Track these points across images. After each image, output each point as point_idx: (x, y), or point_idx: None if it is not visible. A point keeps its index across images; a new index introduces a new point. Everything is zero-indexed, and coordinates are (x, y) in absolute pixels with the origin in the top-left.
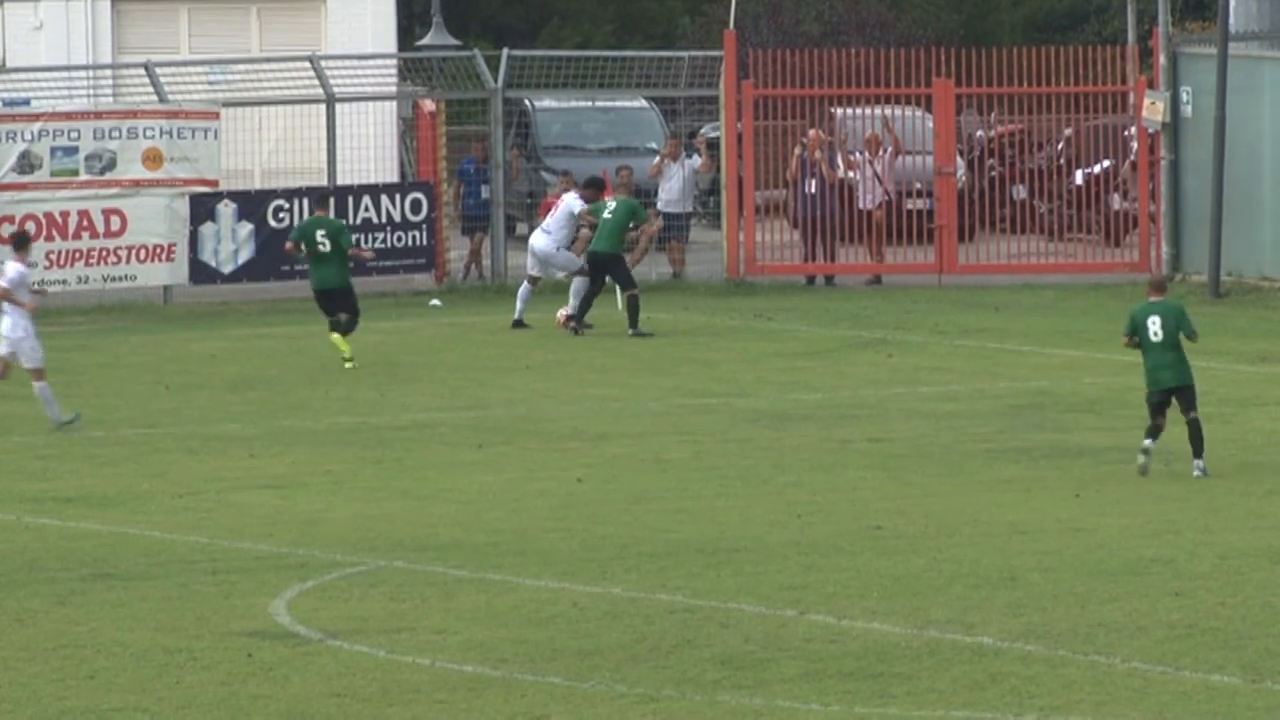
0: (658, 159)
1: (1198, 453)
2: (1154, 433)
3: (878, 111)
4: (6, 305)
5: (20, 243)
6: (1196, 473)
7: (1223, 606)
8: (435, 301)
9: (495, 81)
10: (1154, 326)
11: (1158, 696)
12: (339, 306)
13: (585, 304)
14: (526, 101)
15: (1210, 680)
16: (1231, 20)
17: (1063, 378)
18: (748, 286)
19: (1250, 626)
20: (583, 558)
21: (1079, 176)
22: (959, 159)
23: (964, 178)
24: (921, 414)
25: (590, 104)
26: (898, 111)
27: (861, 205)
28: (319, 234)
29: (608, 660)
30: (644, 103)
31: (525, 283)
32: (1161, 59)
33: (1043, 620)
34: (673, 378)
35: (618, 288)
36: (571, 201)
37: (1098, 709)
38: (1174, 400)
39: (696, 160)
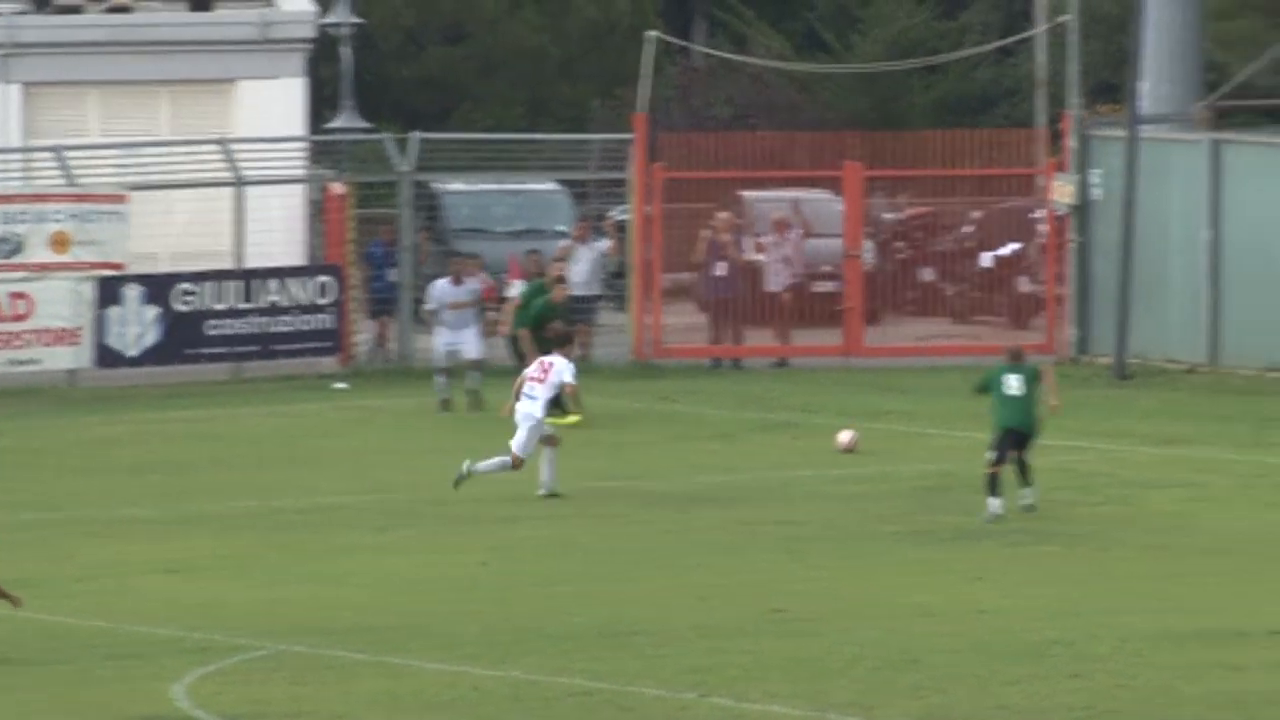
0: (566, 241)
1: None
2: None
3: (787, 194)
4: None
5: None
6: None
7: (1122, 689)
8: (340, 385)
9: (405, 164)
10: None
11: None
12: None
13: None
14: (435, 185)
15: None
16: (1142, 103)
17: (969, 460)
18: (654, 369)
19: (1149, 709)
20: (484, 641)
21: (987, 259)
22: (867, 241)
23: (872, 260)
24: (827, 496)
25: (499, 187)
26: (807, 194)
27: (769, 287)
28: None
29: None
30: (554, 185)
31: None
32: (1071, 141)
33: (943, 702)
34: (578, 459)
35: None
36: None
37: None
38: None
39: (605, 243)
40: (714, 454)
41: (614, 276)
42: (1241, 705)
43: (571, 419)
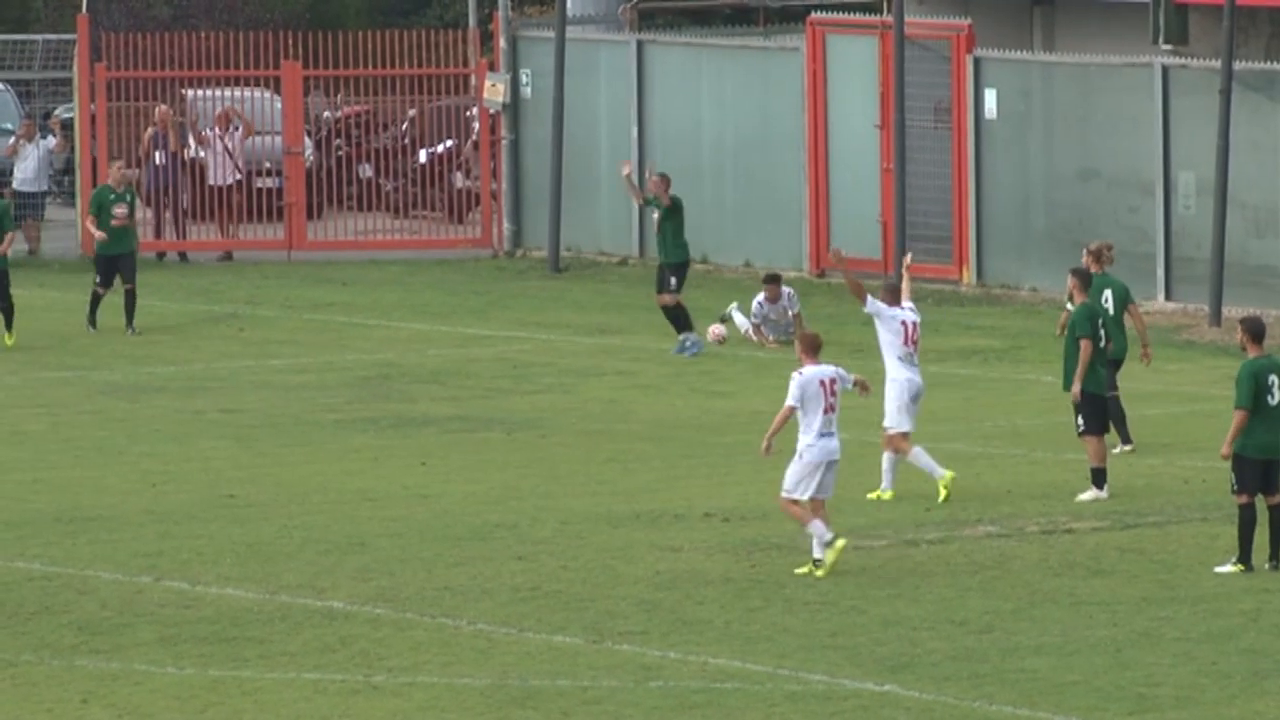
0: (13, 139)
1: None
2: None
3: (228, 94)
4: None
5: None
6: None
7: (564, 570)
8: None
9: None
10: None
11: (502, 657)
12: None
13: None
14: None
15: (553, 641)
16: (569, 5)
17: (408, 350)
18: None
19: (591, 589)
20: None
21: (423, 156)
22: (307, 139)
23: (312, 157)
24: (272, 386)
25: None
26: (247, 93)
27: (213, 182)
28: None
29: None
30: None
31: None
32: (502, 43)
33: (391, 584)
34: (28, 353)
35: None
36: None
37: (445, 669)
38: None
39: (51, 140)
40: (161, 345)
41: (61, 173)
42: (680, 584)
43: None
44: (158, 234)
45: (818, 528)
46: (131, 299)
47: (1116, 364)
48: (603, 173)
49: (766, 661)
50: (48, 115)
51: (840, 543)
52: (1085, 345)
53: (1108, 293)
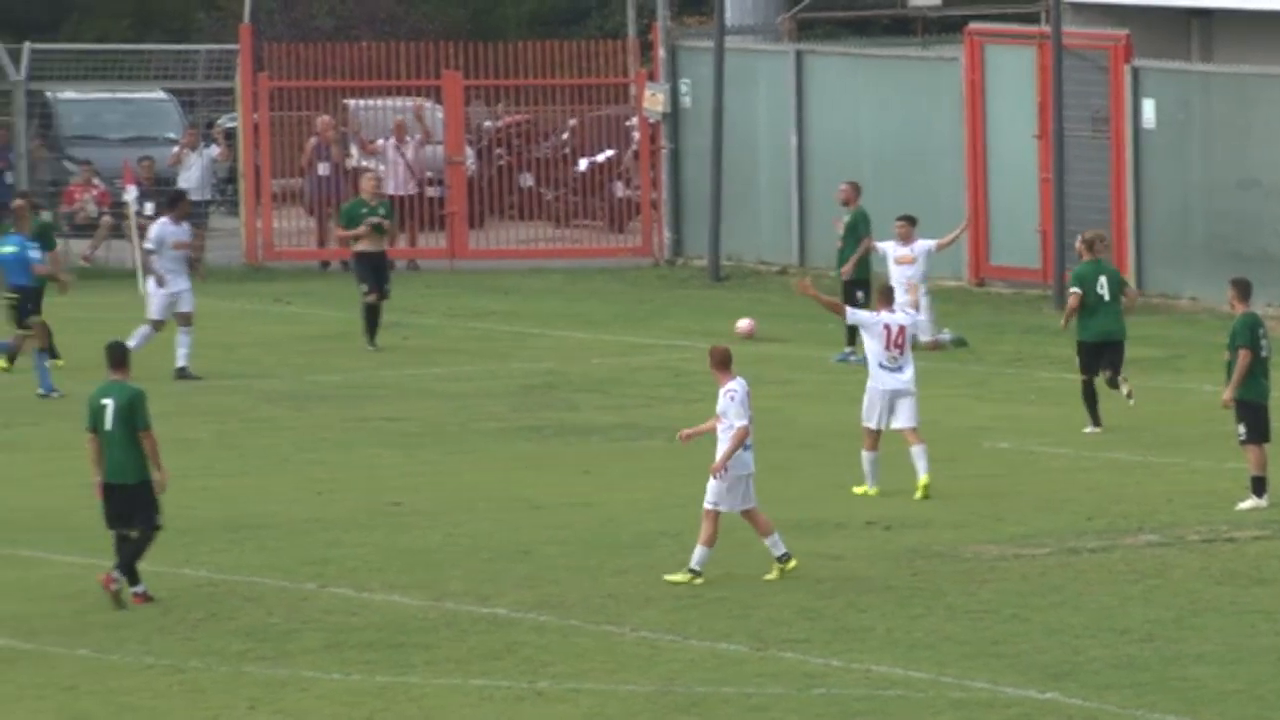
0: (177, 149)
1: None
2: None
3: (390, 103)
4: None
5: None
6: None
7: (728, 577)
8: None
9: (18, 73)
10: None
11: (667, 664)
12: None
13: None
14: (48, 93)
15: (717, 648)
16: (728, 15)
17: (570, 359)
18: (267, 271)
19: (754, 597)
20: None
21: (583, 165)
22: (468, 148)
23: (473, 166)
24: (435, 394)
25: (110, 95)
26: (409, 102)
27: (390, 191)
28: None
29: (136, 633)
30: (163, 94)
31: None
32: (661, 52)
33: (556, 592)
34: (195, 361)
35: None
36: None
37: (609, 676)
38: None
39: (215, 150)
40: (326, 353)
41: (224, 182)
42: (842, 592)
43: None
44: (320, 243)
45: (702, 552)
46: (375, 312)
47: (1116, 346)
48: (762, 182)
49: (929, 669)
50: (211, 125)
51: (792, 564)
52: (1244, 354)
53: (1103, 279)
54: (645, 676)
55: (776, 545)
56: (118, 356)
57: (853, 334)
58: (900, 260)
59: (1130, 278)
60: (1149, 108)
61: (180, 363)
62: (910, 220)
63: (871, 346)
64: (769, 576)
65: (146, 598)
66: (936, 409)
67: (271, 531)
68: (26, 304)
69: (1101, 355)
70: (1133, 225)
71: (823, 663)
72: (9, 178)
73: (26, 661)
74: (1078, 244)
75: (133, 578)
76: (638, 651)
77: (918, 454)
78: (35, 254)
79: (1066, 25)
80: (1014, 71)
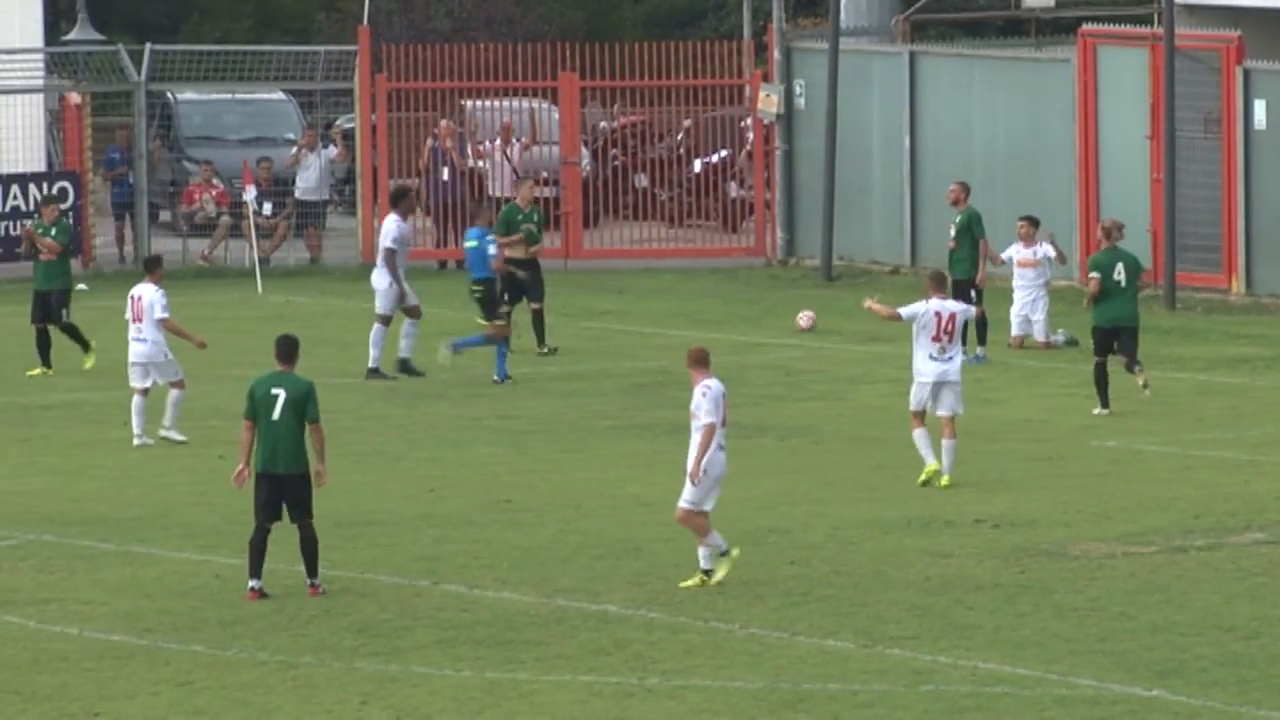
0: (295, 149)
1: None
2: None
3: (506, 103)
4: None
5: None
6: None
7: (836, 575)
8: (81, 286)
9: (139, 75)
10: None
11: (774, 660)
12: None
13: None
14: (169, 94)
15: (825, 645)
16: (842, 17)
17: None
18: None
19: (861, 594)
20: (224, 531)
21: (698, 165)
22: (584, 149)
23: (589, 167)
24: (548, 392)
25: (230, 96)
26: (525, 103)
27: (493, 193)
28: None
29: (249, 629)
30: (282, 95)
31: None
32: (776, 54)
33: (665, 588)
34: (310, 359)
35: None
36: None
37: (717, 672)
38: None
39: (333, 150)
40: (438, 351)
41: (342, 183)
42: (950, 590)
43: None
44: (439, 244)
45: (715, 539)
46: (539, 318)
47: (1130, 331)
48: (875, 182)
49: (1035, 666)
50: (329, 125)
51: (735, 552)
52: None
53: (1120, 266)
54: (753, 673)
55: (706, 560)
56: (288, 349)
57: (982, 332)
58: (1023, 264)
59: (1239, 277)
60: (1260, 109)
61: (403, 354)
62: (1033, 221)
63: (920, 335)
64: (686, 583)
65: (316, 590)
66: (1045, 408)
67: (384, 528)
68: (492, 295)
69: (1114, 339)
70: (1243, 226)
71: (930, 659)
72: (130, 178)
73: (141, 657)
74: (1098, 232)
75: (312, 570)
76: (746, 648)
77: (947, 449)
78: (493, 248)
79: (1179, 27)
80: (1126, 73)
